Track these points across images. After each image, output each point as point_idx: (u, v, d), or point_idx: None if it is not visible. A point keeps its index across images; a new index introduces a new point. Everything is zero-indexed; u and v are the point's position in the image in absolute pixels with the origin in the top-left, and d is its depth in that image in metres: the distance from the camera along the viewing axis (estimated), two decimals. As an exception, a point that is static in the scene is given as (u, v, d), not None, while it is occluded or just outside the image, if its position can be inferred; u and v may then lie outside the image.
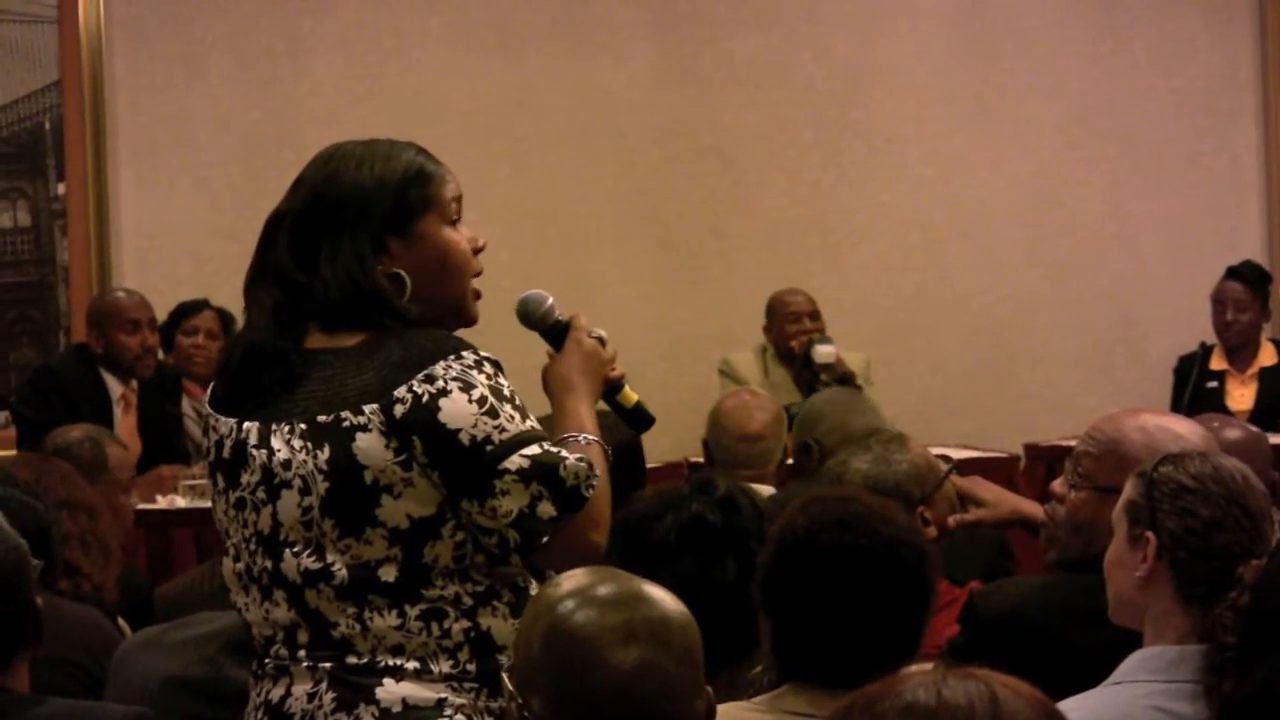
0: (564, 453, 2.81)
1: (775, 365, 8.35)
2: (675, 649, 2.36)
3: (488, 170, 8.61)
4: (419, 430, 2.74)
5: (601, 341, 3.10)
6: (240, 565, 2.87)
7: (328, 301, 2.83)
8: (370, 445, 2.74)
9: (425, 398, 2.74)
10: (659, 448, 7.67)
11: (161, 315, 7.57)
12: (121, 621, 4.57)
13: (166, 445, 7.19)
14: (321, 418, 2.77)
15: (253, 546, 2.84)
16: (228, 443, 2.86)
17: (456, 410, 2.74)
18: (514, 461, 2.76)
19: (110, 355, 7.22)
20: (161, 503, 6.69)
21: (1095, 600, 3.07)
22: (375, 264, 2.85)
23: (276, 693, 2.84)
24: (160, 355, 7.47)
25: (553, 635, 2.37)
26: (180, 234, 8.60)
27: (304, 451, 2.78)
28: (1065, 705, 2.87)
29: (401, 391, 2.75)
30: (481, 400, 2.76)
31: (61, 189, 8.50)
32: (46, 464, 4.72)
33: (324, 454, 2.76)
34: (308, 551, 2.79)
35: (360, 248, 2.85)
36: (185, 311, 7.79)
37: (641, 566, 2.68)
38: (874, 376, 8.24)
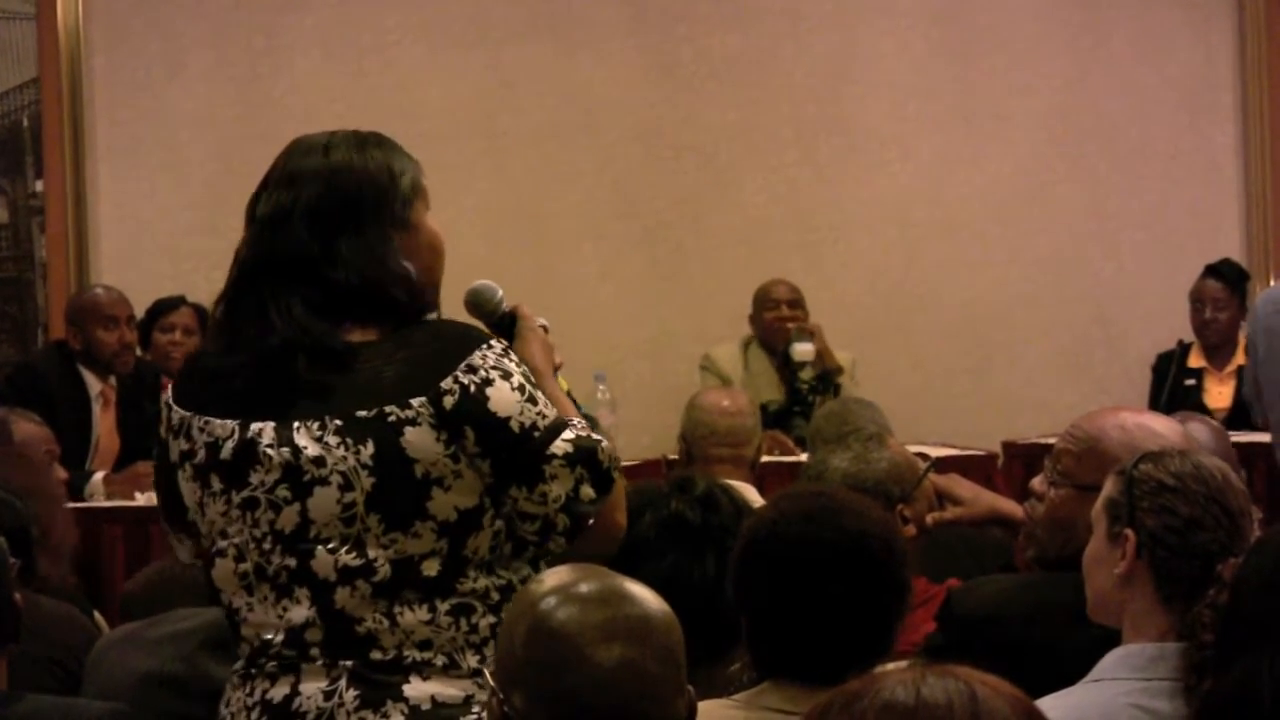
0: (595, 435, 2.85)
1: (758, 356, 8.37)
2: (657, 647, 2.36)
3: (467, 167, 8.61)
4: (471, 421, 2.75)
5: (544, 329, 3.12)
6: (246, 565, 2.84)
7: (357, 292, 2.82)
8: (420, 439, 2.75)
9: (472, 388, 2.76)
10: (638, 444, 7.70)
11: (140, 312, 7.56)
12: (99, 617, 4.57)
13: (145, 442, 7.17)
14: (361, 413, 2.76)
15: (267, 545, 2.82)
16: (228, 444, 2.83)
17: (503, 399, 2.77)
18: (559, 446, 2.80)
19: (89, 352, 7.20)
20: (140, 499, 6.68)
21: (1073, 599, 3.07)
22: (394, 253, 2.86)
23: (278, 691, 2.81)
24: (138, 352, 7.46)
25: (534, 632, 2.37)
26: (158, 231, 8.58)
27: (341, 447, 2.76)
28: (1044, 703, 2.88)
29: (448, 383, 2.76)
30: (521, 388, 2.80)
31: (40, 186, 8.48)
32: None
33: (367, 449, 2.76)
34: (346, 547, 2.77)
35: (385, 237, 2.86)
36: (162, 308, 7.78)
37: (621, 564, 2.68)
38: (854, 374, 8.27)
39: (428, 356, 2.79)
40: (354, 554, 2.77)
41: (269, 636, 2.83)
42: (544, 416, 2.80)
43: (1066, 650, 3.08)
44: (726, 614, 3.00)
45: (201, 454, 2.86)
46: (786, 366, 8.15)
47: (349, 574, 2.77)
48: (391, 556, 2.77)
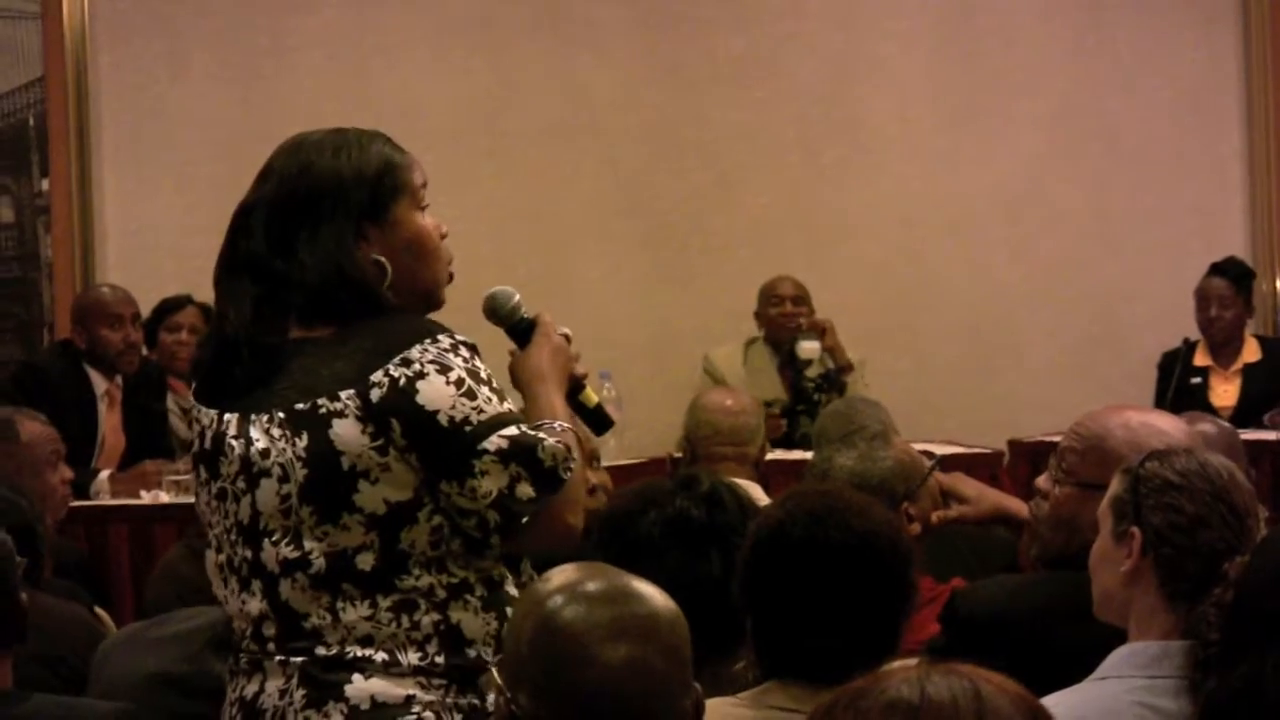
0: (541, 434, 2.82)
1: (761, 354, 8.39)
2: (663, 646, 2.36)
3: (470, 167, 8.61)
4: (397, 413, 2.74)
5: (567, 339, 3.11)
6: (222, 557, 2.88)
7: (309, 289, 2.83)
8: (347, 431, 2.75)
9: (402, 381, 2.75)
10: (643, 442, 7.70)
11: (145, 311, 7.56)
12: (105, 615, 4.57)
13: (151, 441, 7.18)
14: (299, 405, 2.78)
15: (233, 537, 2.85)
16: (209, 434, 2.87)
17: (434, 392, 2.75)
18: (493, 442, 2.77)
19: (94, 351, 7.20)
20: (146, 498, 6.68)
21: (1078, 597, 3.07)
22: (355, 250, 2.85)
23: (250, 689, 2.84)
24: (144, 351, 7.46)
25: (541, 631, 2.37)
26: (164, 230, 8.58)
27: (283, 440, 2.78)
28: (1048, 701, 2.88)
29: (378, 376, 2.75)
30: (459, 382, 2.77)
31: (45, 185, 8.48)
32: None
33: (302, 441, 2.77)
34: (286, 540, 2.79)
35: (342, 234, 2.85)
36: (168, 308, 7.77)
37: (625, 562, 2.68)
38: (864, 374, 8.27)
39: (367, 350, 2.78)
40: (292, 546, 2.79)
41: (242, 627, 2.86)
42: (480, 411, 2.77)
43: (1071, 648, 3.07)
44: (731, 612, 3.00)
45: (196, 443, 2.91)
46: (792, 365, 8.16)
47: (289, 566, 2.79)
48: (325, 549, 2.78)
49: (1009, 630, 3.36)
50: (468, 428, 2.76)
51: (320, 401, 2.76)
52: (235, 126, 8.61)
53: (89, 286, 8.00)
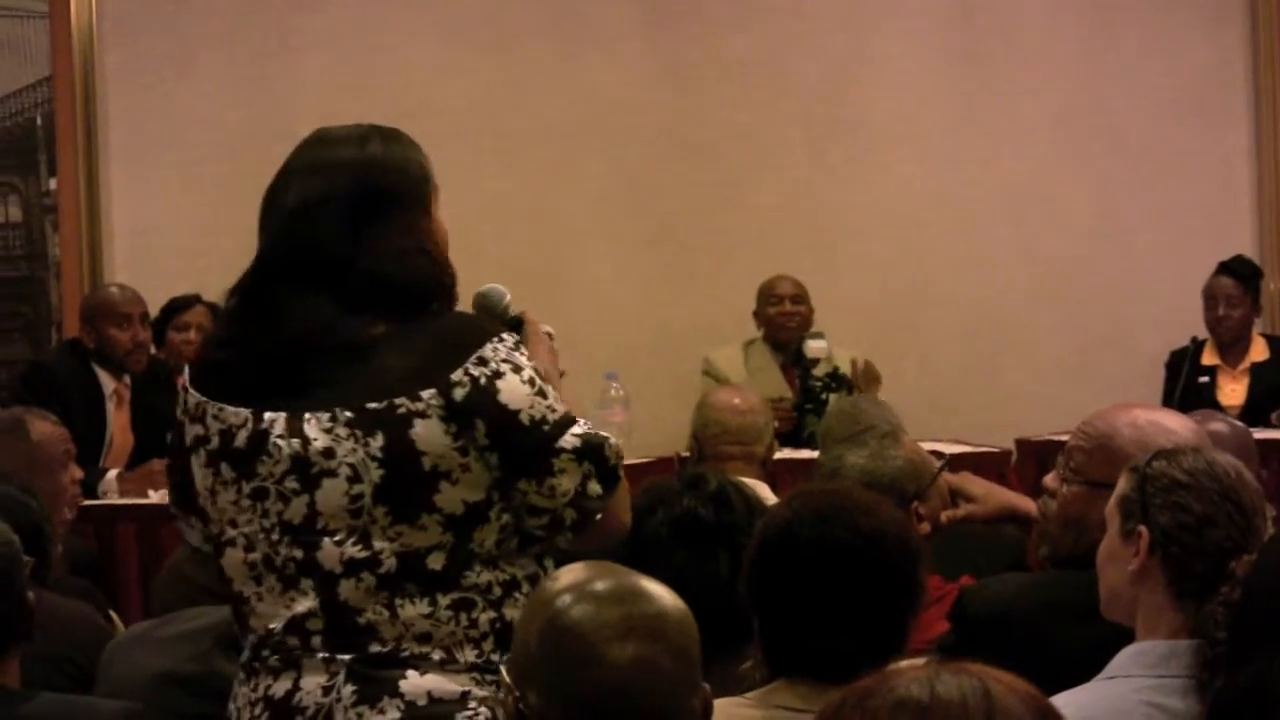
0: (603, 432, 2.86)
1: (761, 353, 8.39)
2: (672, 645, 2.36)
3: (478, 167, 8.61)
4: (481, 413, 2.76)
5: (550, 337, 3.13)
6: (255, 555, 2.84)
7: (384, 287, 2.82)
8: (429, 431, 2.75)
9: (483, 380, 2.76)
10: (649, 442, 7.70)
11: (153, 311, 7.56)
12: (116, 618, 4.57)
13: (159, 440, 7.15)
14: (372, 405, 2.76)
15: (275, 536, 2.82)
16: (241, 433, 2.83)
17: (514, 391, 2.78)
18: (568, 440, 2.81)
19: (102, 350, 7.21)
20: (154, 497, 6.68)
21: (1086, 596, 3.07)
22: (421, 241, 2.88)
23: (281, 686, 2.81)
24: (152, 350, 7.46)
25: (550, 630, 2.37)
26: (171, 230, 8.59)
27: (351, 439, 2.76)
28: (1056, 700, 2.87)
29: (458, 375, 2.76)
30: (531, 381, 2.81)
31: (53, 184, 8.49)
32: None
33: (376, 441, 2.76)
34: (352, 539, 2.77)
35: (411, 231, 2.88)
36: (177, 307, 7.78)
37: (633, 561, 2.68)
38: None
39: (439, 349, 2.79)
40: (359, 546, 2.77)
41: (275, 626, 2.82)
42: (554, 410, 2.81)
43: (1079, 648, 3.07)
44: (739, 611, 3.00)
45: (215, 440, 2.86)
46: (799, 363, 8.16)
47: (355, 566, 2.77)
48: (397, 549, 2.77)
49: (1017, 629, 3.36)
50: (545, 426, 2.79)
51: (398, 401, 2.75)
52: (242, 126, 8.61)
53: (97, 286, 8.00)
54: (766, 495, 4.52)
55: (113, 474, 6.87)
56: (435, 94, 8.74)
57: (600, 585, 2.40)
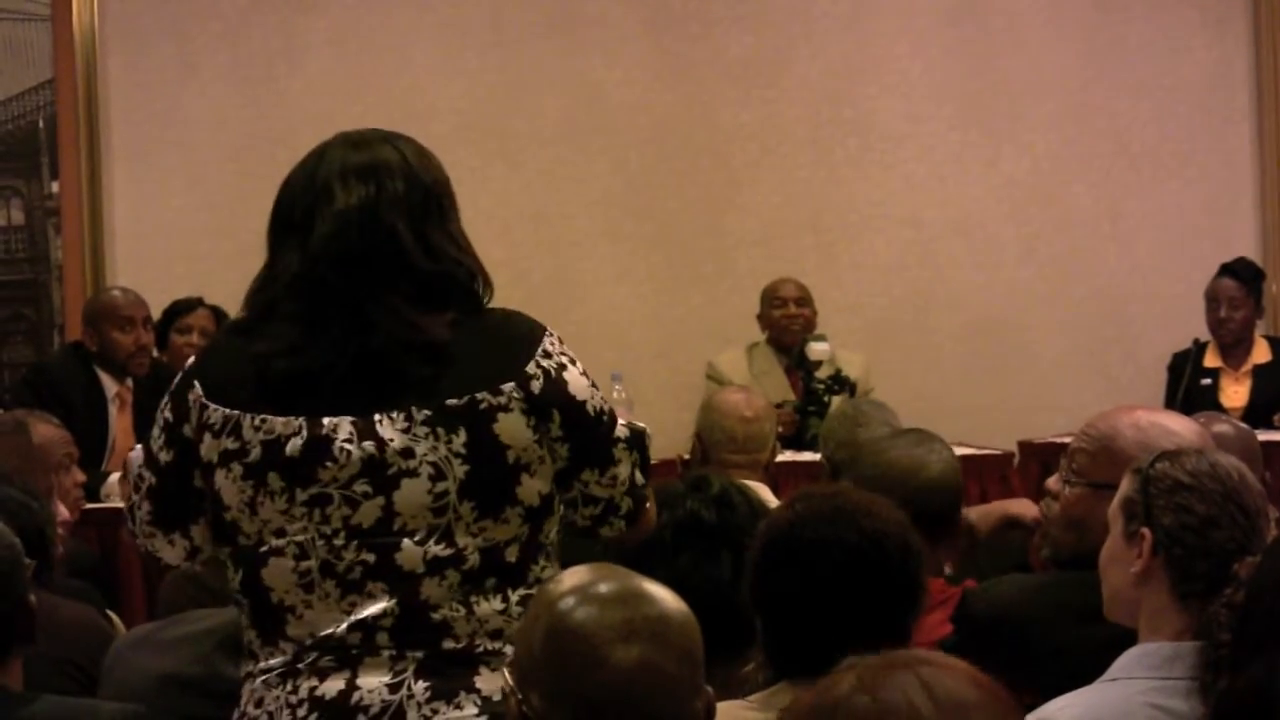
0: (641, 424, 2.92)
1: (765, 356, 8.39)
2: (675, 648, 2.36)
3: (481, 168, 8.61)
4: (557, 404, 2.80)
5: None
6: (309, 562, 2.79)
7: (445, 284, 2.83)
8: (513, 425, 2.77)
9: (553, 373, 2.81)
10: (653, 445, 7.69)
11: (155, 313, 7.56)
12: (116, 618, 4.57)
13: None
14: (451, 401, 2.76)
15: (339, 541, 2.78)
16: (295, 440, 2.79)
17: (578, 383, 2.84)
18: (621, 431, 2.88)
19: (105, 353, 7.21)
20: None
21: (1089, 598, 3.07)
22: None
23: (332, 686, 2.77)
24: (155, 353, 7.46)
25: (553, 632, 2.37)
26: (174, 232, 8.59)
27: (431, 438, 2.76)
28: (1060, 702, 2.88)
29: (532, 368, 2.79)
30: (586, 373, 2.87)
31: (55, 187, 8.49)
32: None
33: (460, 437, 2.76)
34: (435, 538, 2.77)
35: (460, 228, 2.92)
36: (179, 310, 7.78)
37: (636, 564, 2.68)
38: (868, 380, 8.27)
39: (506, 344, 2.82)
40: (443, 544, 2.77)
41: (329, 631, 2.78)
42: (605, 402, 2.88)
43: (1083, 649, 3.07)
44: (742, 614, 3.00)
45: (256, 451, 2.81)
46: (802, 366, 8.15)
47: (438, 564, 2.77)
48: (480, 544, 2.78)
49: (1020, 631, 3.36)
50: (605, 417, 2.86)
51: (480, 396, 2.76)
52: (245, 128, 8.62)
53: (100, 289, 8.00)
54: (768, 498, 4.52)
55: (114, 477, 6.86)
56: (438, 95, 8.74)
57: (603, 588, 2.40)
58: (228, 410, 2.84)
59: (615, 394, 6.71)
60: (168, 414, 2.96)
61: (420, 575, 2.77)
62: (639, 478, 2.90)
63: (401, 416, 2.77)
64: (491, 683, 2.75)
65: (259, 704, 2.83)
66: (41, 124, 8.48)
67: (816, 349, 8.11)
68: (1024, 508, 4.16)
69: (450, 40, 8.88)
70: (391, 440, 2.76)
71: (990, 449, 7.78)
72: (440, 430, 2.76)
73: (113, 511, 6.71)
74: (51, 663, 3.74)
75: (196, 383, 2.92)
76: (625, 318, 8.89)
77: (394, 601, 2.77)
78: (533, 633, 2.40)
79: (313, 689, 2.78)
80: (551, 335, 2.85)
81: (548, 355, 2.81)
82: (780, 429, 6.16)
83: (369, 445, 2.77)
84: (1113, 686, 2.87)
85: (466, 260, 2.88)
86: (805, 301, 8.44)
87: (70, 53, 8.43)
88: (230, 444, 2.83)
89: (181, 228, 8.57)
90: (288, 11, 8.76)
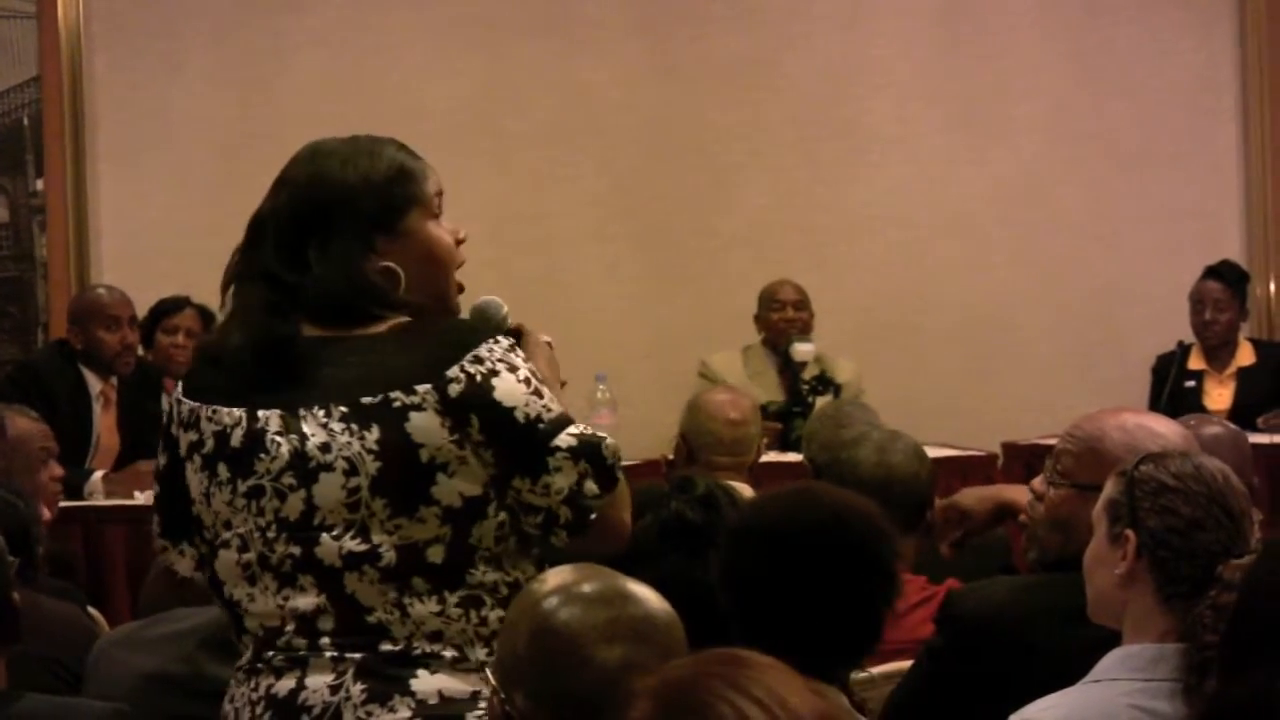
0: (601, 432, 2.86)
1: (760, 357, 8.39)
2: (659, 647, 2.36)
3: (469, 168, 8.60)
4: (476, 408, 2.77)
5: (550, 346, 3.13)
6: (249, 555, 2.84)
7: (320, 299, 2.84)
8: (426, 423, 2.76)
9: (478, 377, 2.77)
10: (639, 445, 7.69)
11: (140, 311, 7.55)
12: (98, 614, 4.56)
13: (146, 442, 7.15)
14: (366, 399, 2.77)
15: (272, 533, 2.81)
16: (236, 432, 2.83)
17: (509, 389, 2.79)
18: (564, 439, 2.80)
19: (90, 352, 7.20)
20: (140, 498, 6.67)
21: (1073, 600, 3.07)
22: (365, 261, 2.87)
23: (284, 685, 2.80)
24: (140, 352, 7.45)
25: (537, 632, 2.38)
26: (160, 231, 8.58)
27: (346, 433, 2.77)
28: (1043, 703, 2.88)
29: (454, 371, 2.77)
30: (527, 381, 2.81)
31: (40, 185, 8.48)
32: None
33: (372, 434, 2.76)
34: (350, 533, 2.77)
35: (350, 246, 2.87)
36: (166, 310, 7.76)
37: (621, 565, 2.68)
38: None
39: (436, 348, 2.80)
40: (358, 540, 2.78)
41: (275, 625, 2.82)
42: (549, 410, 2.81)
43: (1067, 651, 3.08)
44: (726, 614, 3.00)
45: (210, 443, 2.86)
46: (788, 368, 8.16)
47: (354, 560, 2.77)
48: (396, 542, 2.77)
49: (1004, 632, 3.36)
50: (541, 424, 2.79)
51: (394, 395, 2.76)
52: (233, 127, 8.61)
53: (86, 288, 7.99)
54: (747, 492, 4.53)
55: (99, 475, 6.87)
56: (426, 94, 8.74)
57: (587, 588, 2.41)
58: (192, 404, 2.90)
59: (599, 394, 6.72)
60: (165, 417, 3.00)
61: (340, 570, 2.78)
62: (589, 488, 2.81)
63: (322, 412, 2.79)
64: (427, 686, 2.75)
65: (232, 700, 2.88)
66: (27, 121, 8.47)
67: (801, 349, 8.12)
68: (1019, 494, 4.15)
69: (439, 40, 8.88)
70: (313, 435, 2.79)
71: (975, 450, 7.79)
72: (354, 426, 2.77)
73: (97, 510, 6.71)
74: (36, 661, 3.73)
75: (182, 381, 2.98)
76: (613, 318, 8.89)
77: (323, 597, 2.79)
78: (516, 633, 2.41)
79: (269, 687, 2.82)
80: (494, 343, 2.82)
81: (479, 361, 2.78)
82: (765, 440, 6.16)
83: (294, 439, 2.80)
84: (1096, 688, 2.87)
85: (349, 281, 2.85)
86: (803, 305, 8.43)
87: (56, 50, 8.42)
88: (193, 436, 2.89)
89: (168, 226, 8.56)
90: (276, 11, 8.75)
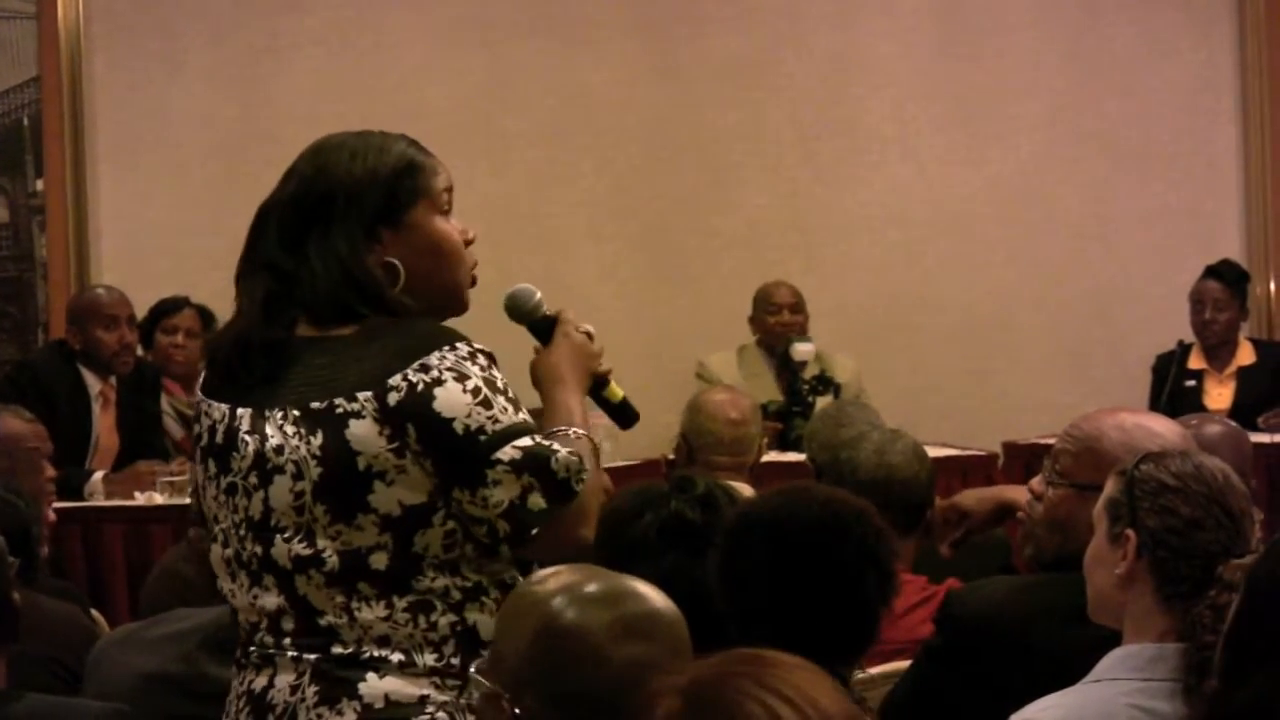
0: (556, 445, 2.81)
1: (756, 359, 8.39)
2: (667, 643, 2.37)
3: (467, 167, 8.55)
4: (413, 418, 2.74)
5: (589, 336, 3.10)
6: (229, 551, 2.87)
7: (316, 290, 2.84)
8: (364, 432, 2.74)
9: (420, 386, 2.75)
10: (638, 445, 7.69)
11: (140, 311, 7.55)
12: (100, 617, 4.57)
13: (145, 442, 7.17)
14: (315, 404, 2.77)
15: (243, 532, 2.83)
16: (220, 428, 2.86)
17: (451, 399, 2.75)
18: (506, 452, 2.76)
19: (89, 351, 7.20)
20: (139, 499, 6.68)
21: (1072, 600, 3.07)
22: (366, 253, 2.86)
23: (259, 682, 2.83)
24: (139, 352, 7.45)
25: (544, 633, 2.38)
26: (159, 231, 8.58)
27: (296, 437, 2.78)
28: (1043, 703, 2.88)
29: (396, 380, 2.75)
30: (475, 391, 2.76)
31: (40, 185, 8.48)
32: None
33: (316, 440, 2.76)
34: (299, 537, 2.78)
35: (351, 237, 2.86)
36: (165, 310, 7.76)
37: (621, 564, 2.69)
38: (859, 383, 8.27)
39: (387, 353, 2.78)
40: (305, 544, 2.78)
41: (253, 621, 2.85)
42: (495, 421, 2.76)
43: (1066, 651, 3.08)
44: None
45: (205, 437, 2.89)
46: (787, 368, 8.16)
47: (302, 563, 2.78)
48: (339, 548, 2.77)
49: (1004, 632, 3.36)
50: (482, 437, 2.75)
51: (337, 401, 2.76)
52: (232, 126, 8.61)
53: (85, 287, 7.99)
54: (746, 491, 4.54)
55: (98, 476, 6.86)
56: (424, 94, 8.73)
57: (591, 588, 2.41)
58: (200, 397, 2.94)
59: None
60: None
61: (291, 572, 2.79)
62: (534, 502, 2.76)
63: (280, 414, 2.80)
64: (375, 689, 2.75)
65: (231, 690, 2.91)
66: (26, 121, 8.47)
67: (800, 349, 8.12)
68: (1019, 494, 4.15)
69: (437, 40, 8.88)
70: (271, 436, 2.80)
71: (975, 450, 7.79)
72: (303, 430, 2.78)
73: (97, 510, 6.71)
74: (36, 661, 3.74)
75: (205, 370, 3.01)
76: (611, 318, 8.86)
77: (283, 598, 2.81)
78: (519, 634, 2.40)
79: (249, 682, 2.85)
80: (449, 350, 2.78)
81: (426, 369, 2.75)
82: (765, 441, 6.16)
83: (257, 439, 2.81)
84: (1095, 688, 2.87)
85: (349, 274, 2.84)
86: (799, 307, 8.42)
87: (55, 50, 8.42)
88: (198, 429, 2.93)
89: (167, 226, 8.56)
90: (275, 11, 8.75)
